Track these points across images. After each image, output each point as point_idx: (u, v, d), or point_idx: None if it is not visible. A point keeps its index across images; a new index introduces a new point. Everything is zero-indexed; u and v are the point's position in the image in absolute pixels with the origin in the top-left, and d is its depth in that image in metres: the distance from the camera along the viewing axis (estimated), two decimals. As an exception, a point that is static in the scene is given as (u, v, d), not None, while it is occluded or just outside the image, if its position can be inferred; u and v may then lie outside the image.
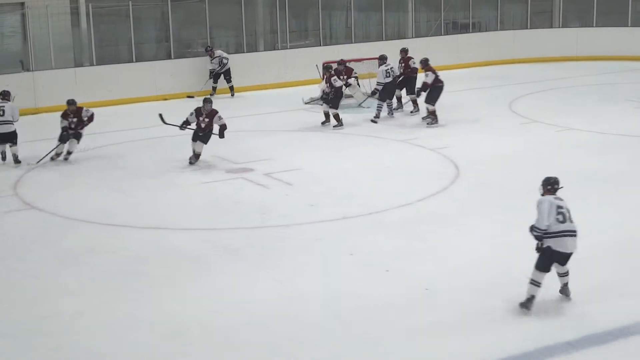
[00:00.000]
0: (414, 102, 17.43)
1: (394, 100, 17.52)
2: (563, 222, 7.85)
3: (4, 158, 13.96)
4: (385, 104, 16.92)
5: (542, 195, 8.10)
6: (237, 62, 20.34)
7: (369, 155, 14.13)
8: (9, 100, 13.94)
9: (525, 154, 13.98)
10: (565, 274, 8.14)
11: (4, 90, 14.06)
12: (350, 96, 18.62)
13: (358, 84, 18.62)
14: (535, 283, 7.93)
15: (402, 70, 17.41)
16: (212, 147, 13.93)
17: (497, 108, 17.49)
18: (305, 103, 18.75)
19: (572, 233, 7.90)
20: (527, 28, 25.35)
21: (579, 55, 24.53)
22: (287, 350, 7.39)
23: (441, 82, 16.27)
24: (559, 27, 25.79)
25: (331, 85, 16.18)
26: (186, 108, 15.79)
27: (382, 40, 22.99)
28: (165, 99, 19.53)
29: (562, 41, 24.85)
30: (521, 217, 10.64)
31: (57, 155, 13.99)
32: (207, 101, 13.67)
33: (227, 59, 19.97)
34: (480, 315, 7.96)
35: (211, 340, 7.58)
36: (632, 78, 21.69)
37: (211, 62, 19.93)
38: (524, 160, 13.59)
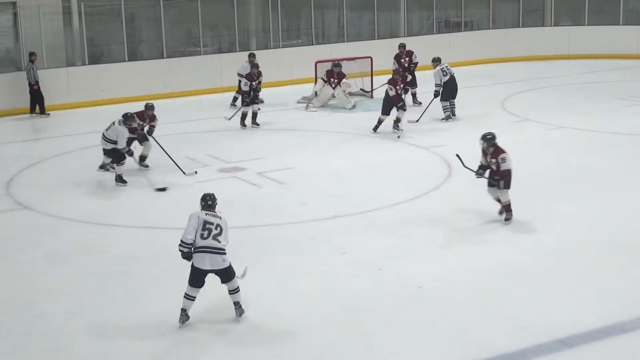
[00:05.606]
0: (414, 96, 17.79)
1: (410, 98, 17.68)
2: (205, 238, 7.66)
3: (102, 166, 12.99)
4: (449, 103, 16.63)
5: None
6: (229, 62, 20.30)
7: (362, 154, 14.13)
8: (123, 125, 12.47)
9: (517, 153, 13.91)
10: (234, 291, 7.88)
11: (125, 114, 12.68)
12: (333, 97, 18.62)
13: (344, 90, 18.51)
14: (188, 297, 7.79)
15: (407, 64, 17.52)
16: (205, 146, 13.84)
17: (490, 107, 17.50)
18: (298, 102, 18.75)
19: (211, 250, 7.68)
20: (518, 27, 25.37)
21: (571, 54, 24.59)
22: (280, 349, 7.40)
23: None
24: (551, 26, 25.85)
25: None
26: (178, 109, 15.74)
27: (375, 39, 23.03)
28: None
29: (554, 40, 24.92)
30: (512, 215, 10.74)
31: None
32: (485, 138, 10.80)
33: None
34: (472, 314, 7.99)
35: (205, 340, 7.59)
36: (623, 76, 21.75)
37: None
38: (515, 158, 13.57)
